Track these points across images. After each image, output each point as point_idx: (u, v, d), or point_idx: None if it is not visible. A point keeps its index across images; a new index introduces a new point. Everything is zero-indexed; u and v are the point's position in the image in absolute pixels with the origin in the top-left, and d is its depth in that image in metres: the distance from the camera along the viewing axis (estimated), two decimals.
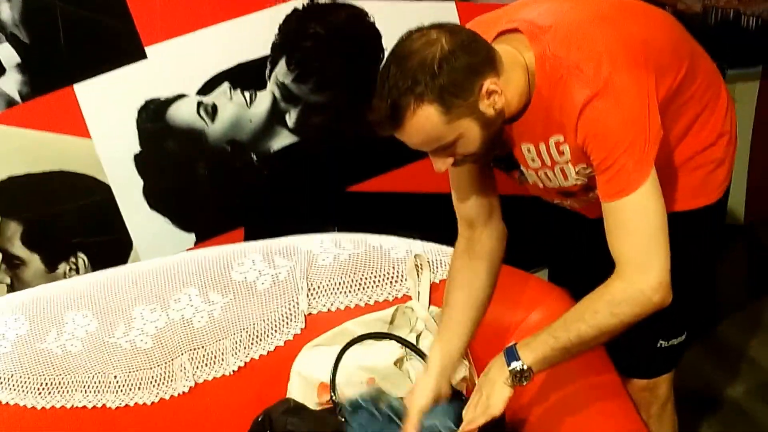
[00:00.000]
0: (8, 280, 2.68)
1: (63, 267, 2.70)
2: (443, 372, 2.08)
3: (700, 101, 2.01)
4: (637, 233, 1.77)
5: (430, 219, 2.59)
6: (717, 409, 2.95)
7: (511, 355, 1.84)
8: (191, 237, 2.81)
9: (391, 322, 2.30)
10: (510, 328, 2.28)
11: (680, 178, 2.07)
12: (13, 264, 2.67)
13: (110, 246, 2.73)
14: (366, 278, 2.39)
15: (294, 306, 2.33)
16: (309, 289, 2.35)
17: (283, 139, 2.80)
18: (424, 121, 1.73)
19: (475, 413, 1.90)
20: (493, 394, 1.87)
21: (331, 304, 2.36)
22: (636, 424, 2.02)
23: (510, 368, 1.83)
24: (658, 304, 1.78)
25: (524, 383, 1.84)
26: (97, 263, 2.69)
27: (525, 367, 1.82)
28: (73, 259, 2.71)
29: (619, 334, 1.83)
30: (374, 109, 1.77)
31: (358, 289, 2.38)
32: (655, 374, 2.30)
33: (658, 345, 2.23)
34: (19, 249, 2.65)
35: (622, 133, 1.76)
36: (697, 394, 2.97)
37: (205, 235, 2.81)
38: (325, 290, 2.36)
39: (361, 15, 2.75)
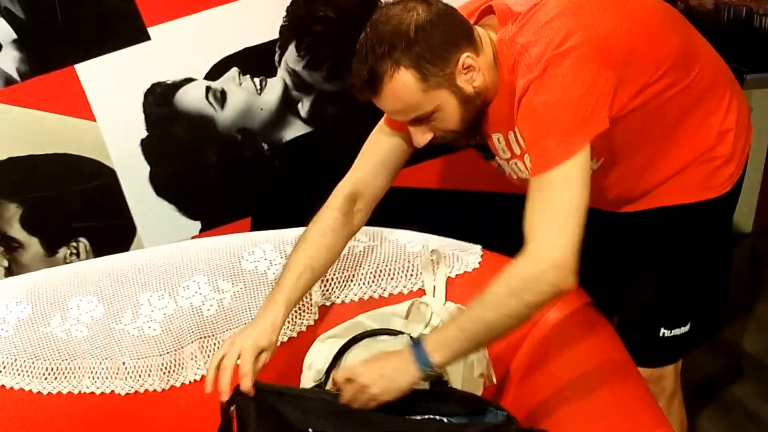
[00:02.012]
0: (6, 263, 2.61)
1: (63, 251, 2.64)
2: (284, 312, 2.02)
3: (691, 98, 1.97)
4: (547, 211, 1.72)
5: (444, 215, 2.56)
6: (723, 409, 2.93)
7: (422, 358, 1.78)
8: (197, 225, 2.75)
9: (406, 317, 2.25)
10: (526, 327, 2.25)
11: (682, 175, 2.04)
12: (11, 247, 2.60)
13: (113, 231, 2.67)
14: (381, 270, 2.34)
15: (307, 297, 2.28)
16: (322, 280, 2.30)
17: (295, 129, 2.75)
18: (401, 87, 1.78)
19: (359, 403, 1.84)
20: (387, 392, 1.81)
21: (345, 296, 2.31)
22: (652, 408, 1.99)
23: (421, 372, 1.79)
24: (558, 286, 1.72)
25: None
26: (99, 249, 2.63)
27: (435, 369, 1.80)
28: (74, 244, 2.64)
29: (529, 319, 1.79)
30: (353, 74, 1.83)
31: (373, 281, 2.33)
32: (658, 364, 2.27)
33: (660, 334, 2.20)
34: (18, 232, 2.59)
35: (546, 116, 1.74)
36: (704, 393, 2.95)
37: (211, 224, 2.76)
38: (339, 281, 2.31)
39: None
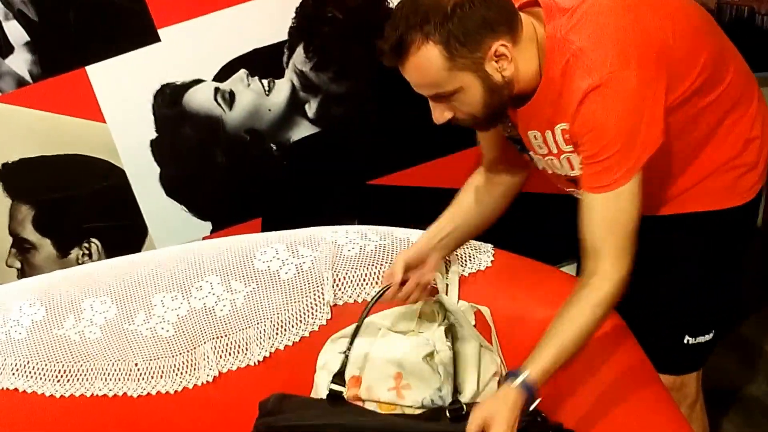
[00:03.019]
0: (18, 265, 2.63)
1: (75, 252, 2.66)
2: (431, 243, 2.18)
3: (724, 106, 1.97)
4: (616, 230, 1.77)
5: None
6: (741, 408, 2.94)
7: (529, 393, 1.76)
8: (208, 225, 2.77)
9: (419, 317, 2.25)
10: (538, 324, 2.25)
11: (708, 181, 2.04)
12: (24, 248, 2.62)
13: (125, 232, 2.69)
14: None
15: (319, 296, 2.28)
16: (334, 280, 2.30)
17: (303, 130, 2.76)
18: (426, 62, 1.73)
19: None
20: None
21: (357, 296, 2.30)
22: (675, 415, 2.00)
23: (528, 408, 1.77)
24: (618, 300, 1.79)
25: None
26: (111, 249, 2.65)
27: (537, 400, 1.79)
28: (86, 245, 2.66)
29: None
30: (384, 38, 1.76)
31: None
32: (681, 371, 2.27)
33: (685, 341, 2.20)
34: (30, 233, 2.61)
35: (616, 133, 1.75)
36: (721, 392, 2.94)
37: (221, 224, 2.78)
38: (351, 281, 2.31)
39: None
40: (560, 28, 1.79)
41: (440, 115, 1.83)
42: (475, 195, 2.18)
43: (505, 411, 1.72)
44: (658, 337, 2.20)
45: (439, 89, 1.78)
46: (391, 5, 2.71)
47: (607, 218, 1.77)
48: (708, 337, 2.22)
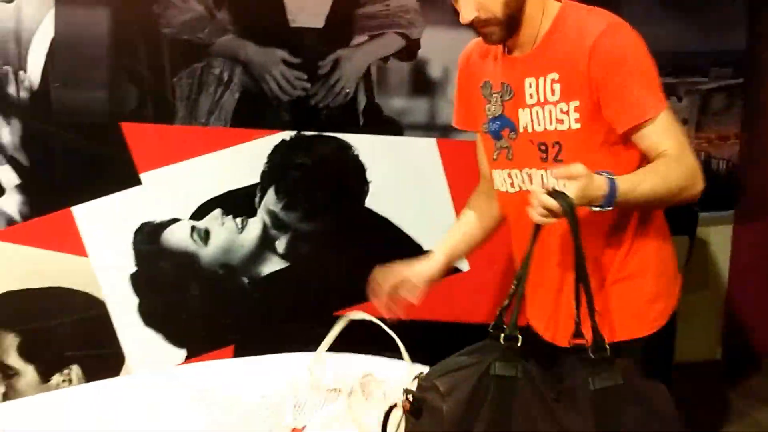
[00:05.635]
0: (3, 389, 2.79)
1: (56, 378, 2.82)
2: (442, 260, 2.29)
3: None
4: (675, 135, 1.96)
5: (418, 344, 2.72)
6: None
7: (612, 191, 1.86)
8: (183, 352, 2.93)
9: None
10: None
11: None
12: (8, 374, 2.79)
13: (103, 359, 2.84)
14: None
15: (280, 420, 2.42)
16: (295, 405, 2.44)
17: (273, 264, 2.95)
18: None
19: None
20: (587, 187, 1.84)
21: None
22: None
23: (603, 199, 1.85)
24: (700, 189, 1.95)
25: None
26: (91, 375, 2.80)
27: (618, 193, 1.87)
28: (66, 371, 2.82)
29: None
30: None
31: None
32: None
33: None
34: (14, 360, 2.78)
35: (634, 66, 1.97)
36: None
37: (196, 352, 2.93)
38: (312, 405, 2.46)
39: (345, 147, 2.95)
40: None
41: (469, 12, 2.01)
42: (479, 214, 2.35)
43: (590, 182, 1.84)
44: None
45: None
46: (355, 152, 2.95)
47: (662, 132, 1.95)
48: None
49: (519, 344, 1.86)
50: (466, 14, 2.03)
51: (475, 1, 2.01)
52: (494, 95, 2.15)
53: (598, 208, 1.86)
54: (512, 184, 2.16)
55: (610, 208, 1.86)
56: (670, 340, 2.24)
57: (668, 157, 1.93)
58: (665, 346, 2.25)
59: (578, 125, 2.00)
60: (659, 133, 1.95)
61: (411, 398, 1.92)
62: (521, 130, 2.11)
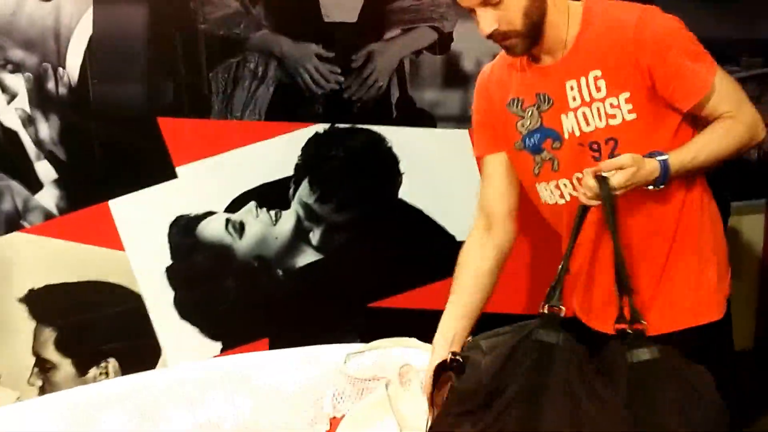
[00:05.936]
0: (40, 383, 2.82)
1: (93, 372, 2.85)
2: (446, 346, 2.19)
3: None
4: (735, 91, 2.04)
5: None
6: None
7: (664, 171, 1.93)
8: (218, 345, 2.95)
9: None
10: None
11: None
12: (45, 368, 2.82)
13: (140, 352, 2.87)
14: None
15: (319, 409, 2.44)
16: (333, 394, 2.46)
17: (307, 256, 2.97)
18: None
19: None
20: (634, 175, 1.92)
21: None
22: None
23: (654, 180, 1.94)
24: (756, 138, 2.04)
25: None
26: (127, 368, 2.81)
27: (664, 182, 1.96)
28: (103, 364, 2.85)
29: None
30: None
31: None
32: None
33: None
34: (52, 354, 2.81)
35: (682, 38, 2.01)
36: None
37: (231, 344, 2.95)
38: (350, 395, 2.48)
39: (378, 139, 2.96)
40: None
41: (488, 24, 1.99)
42: (474, 273, 2.27)
43: (639, 169, 1.91)
44: None
45: None
46: (389, 145, 2.96)
47: (723, 93, 2.01)
48: None
49: (562, 314, 1.94)
50: (486, 27, 2.00)
51: (495, 14, 1.98)
52: (528, 109, 2.13)
53: (651, 187, 1.94)
54: (561, 195, 2.14)
55: (662, 186, 1.94)
56: (729, 324, 2.22)
57: (726, 120, 2.00)
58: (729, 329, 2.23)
59: (633, 116, 2.00)
60: (716, 98, 2.00)
61: (456, 356, 2.01)
62: (566, 136, 2.09)
